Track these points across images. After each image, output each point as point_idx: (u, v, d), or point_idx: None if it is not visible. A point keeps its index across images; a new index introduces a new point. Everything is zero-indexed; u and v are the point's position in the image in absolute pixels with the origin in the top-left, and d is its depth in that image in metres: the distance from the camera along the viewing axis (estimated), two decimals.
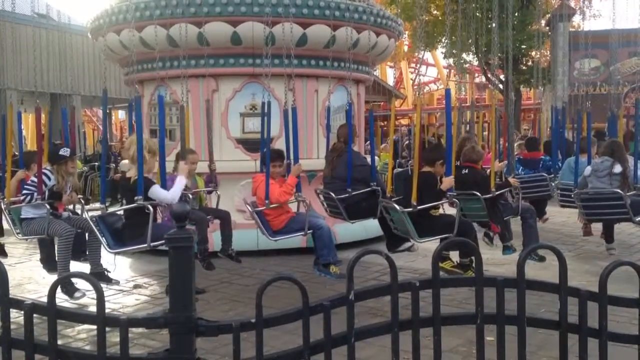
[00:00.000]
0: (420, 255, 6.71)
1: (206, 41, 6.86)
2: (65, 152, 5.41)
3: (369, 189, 5.66)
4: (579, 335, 2.18)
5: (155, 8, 6.87)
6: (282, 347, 3.23)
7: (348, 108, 5.96)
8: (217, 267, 6.02)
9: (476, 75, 26.65)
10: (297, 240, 6.86)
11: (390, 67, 30.74)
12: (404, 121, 26.11)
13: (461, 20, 10.52)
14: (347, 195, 5.67)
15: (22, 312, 2.09)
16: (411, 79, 31.68)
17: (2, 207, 5.51)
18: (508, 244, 5.98)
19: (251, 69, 7.08)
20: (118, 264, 6.50)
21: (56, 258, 5.23)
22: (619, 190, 5.82)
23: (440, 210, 5.52)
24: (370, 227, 7.55)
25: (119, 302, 5.21)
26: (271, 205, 5.33)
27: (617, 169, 6.02)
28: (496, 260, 6.15)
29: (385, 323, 2.18)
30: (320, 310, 2.10)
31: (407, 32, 19.14)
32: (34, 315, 2.08)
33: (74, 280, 5.00)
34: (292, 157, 5.46)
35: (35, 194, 5.17)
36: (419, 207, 4.93)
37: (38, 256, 6.84)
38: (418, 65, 27.82)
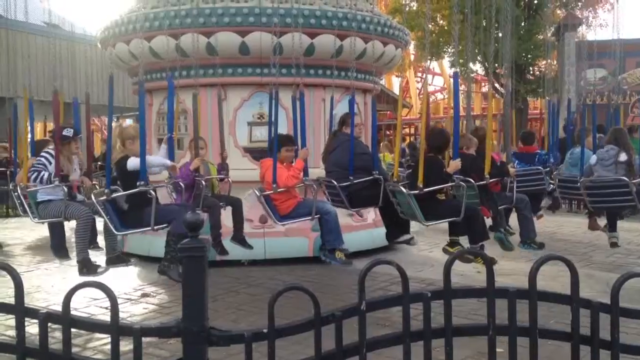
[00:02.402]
0: (427, 265, 6.71)
1: (215, 51, 6.91)
2: (68, 132, 5.54)
3: (370, 177, 5.64)
4: (591, 347, 2.18)
5: (164, 18, 6.92)
6: (291, 358, 3.24)
7: (351, 98, 5.97)
8: (224, 277, 6.04)
9: (483, 84, 26.65)
10: (304, 249, 6.89)
11: (397, 76, 30.77)
12: (410, 130, 26.12)
13: (468, 28, 10.54)
14: (349, 183, 5.65)
15: (36, 320, 2.10)
16: (417, 88, 31.70)
17: (19, 192, 5.60)
18: (500, 229, 6.01)
19: (259, 78, 7.11)
20: (125, 273, 6.56)
21: (75, 239, 5.40)
22: (624, 177, 5.79)
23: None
24: (377, 236, 7.56)
25: (127, 310, 5.22)
26: (279, 190, 5.36)
27: (623, 157, 6.02)
28: (505, 270, 6.14)
29: (397, 334, 2.19)
30: (331, 321, 2.10)
31: (413, 42, 19.21)
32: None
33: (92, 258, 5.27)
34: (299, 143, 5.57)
35: (43, 172, 5.26)
36: (425, 190, 4.94)
37: (47, 265, 6.91)
38: (424, 75, 27.88)
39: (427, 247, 8.02)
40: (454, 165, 5.11)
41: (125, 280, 6.24)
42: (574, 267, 2.15)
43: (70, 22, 15.80)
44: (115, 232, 4.99)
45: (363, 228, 7.43)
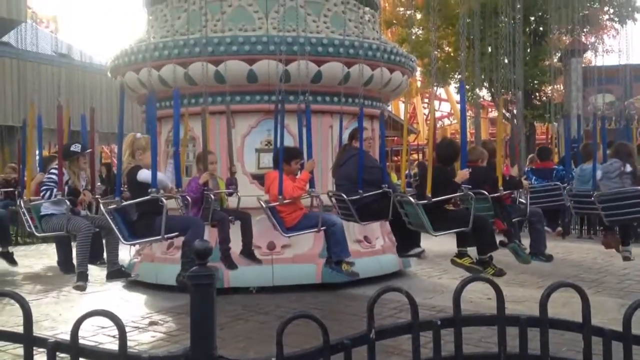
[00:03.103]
0: (437, 292, 6.66)
1: (223, 79, 6.98)
2: (76, 148, 5.62)
3: (380, 190, 5.64)
4: None
5: (173, 47, 7.02)
6: None
7: (360, 111, 6.03)
8: (232, 304, 6.01)
9: (490, 110, 26.72)
10: (312, 275, 6.85)
11: (403, 102, 30.96)
12: (416, 156, 26.12)
13: (475, 55, 10.62)
14: (358, 196, 5.65)
15: (44, 350, 2.10)
16: (424, 114, 31.83)
17: (22, 205, 5.64)
18: (515, 240, 5.99)
19: (267, 105, 7.16)
20: (133, 301, 6.54)
21: (76, 252, 5.43)
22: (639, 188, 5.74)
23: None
24: (385, 263, 7.52)
25: (134, 339, 5.19)
26: (285, 201, 5.37)
27: (628, 168, 5.98)
28: (515, 297, 6.08)
29: None
30: (341, 349, 2.09)
31: (419, 69, 19.36)
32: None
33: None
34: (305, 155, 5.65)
35: (55, 189, 5.30)
36: (433, 200, 4.92)
37: (54, 293, 6.91)
38: (431, 101, 27.98)
39: (437, 273, 7.97)
40: (462, 174, 5.10)
41: (133, 307, 6.22)
42: (585, 295, 2.13)
43: (79, 51, 16.06)
44: (124, 242, 4.98)
45: (371, 254, 7.39)
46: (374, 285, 6.89)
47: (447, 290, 6.61)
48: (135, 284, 7.16)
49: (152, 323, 5.67)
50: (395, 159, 22.61)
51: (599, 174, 6.15)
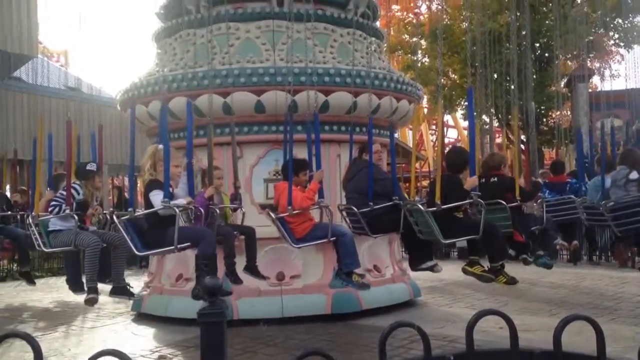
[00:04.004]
0: (449, 321, 6.58)
1: (231, 110, 7.04)
2: (92, 167, 5.70)
3: (391, 202, 5.60)
4: None
5: (182, 80, 7.10)
6: None
7: (369, 125, 6.07)
8: (241, 336, 5.96)
9: (497, 136, 26.73)
10: (322, 306, 6.79)
11: (410, 129, 31.05)
12: (425, 182, 26.08)
13: (480, 81, 10.68)
14: (369, 209, 5.61)
15: None
16: (432, 141, 31.89)
17: (31, 221, 5.67)
18: (540, 253, 5.95)
19: (274, 136, 7.20)
20: (141, 334, 6.50)
21: (84, 267, 5.47)
22: None
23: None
24: (395, 292, 7.45)
25: None
26: (294, 212, 5.36)
27: (634, 175, 5.91)
28: (527, 325, 5.99)
29: None
30: None
31: (425, 96, 19.46)
32: None
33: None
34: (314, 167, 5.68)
35: (64, 205, 5.33)
36: (443, 207, 4.89)
37: (63, 327, 6.88)
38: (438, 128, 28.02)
39: (447, 302, 7.90)
40: (472, 181, 5.09)
41: (142, 341, 6.18)
42: (599, 328, 2.10)
43: (88, 84, 16.28)
44: (137, 253, 5.00)
45: (381, 284, 7.32)
46: (384, 315, 6.83)
47: (458, 320, 6.53)
48: (144, 317, 7.13)
49: (161, 357, 5.62)
50: (405, 186, 22.58)
51: (608, 182, 6.09)
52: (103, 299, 7.72)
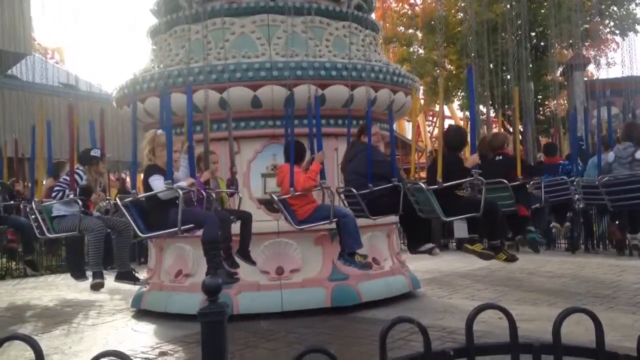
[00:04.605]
0: (447, 312, 6.60)
1: (227, 105, 7.02)
2: (96, 153, 5.71)
3: (390, 184, 5.61)
4: None
5: (177, 76, 7.08)
6: None
7: (367, 109, 6.08)
8: (241, 330, 5.97)
9: (493, 126, 26.75)
10: (321, 299, 6.81)
11: (408, 121, 31.05)
12: (423, 174, 26.11)
13: (476, 73, 10.66)
14: (368, 190, 5.62)
15: None
16: (429, 132, 31.88)
17: (34, 206, 5.66)
18: (531, 228, 6.07)
19: (271, 130, 7.20)
20: (142, 330, 6.52)
21: (89, 252, 5.49)
22: None
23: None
24: (394, 284, 7.47)
25: None
26: (296, 193, 5.38)
27: (639, 154, 5.91)
28: (527, 315, 6.02)
29: None
30: None
31: (422, 88, 19.44)
32: None
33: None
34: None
35: (67, 190, 5.34)
36: (444, 185, 4.92)
37: (64, 325, 6.89)
38: (435, 119, 28.05)
39: (446, 293, 7.92)
40: (473, 159, 5.12)
41: (143, 337, 6.19)
42: (598, 320, 2.11)
43: (85, 82, 16.22)
44: (141, 235, 4.99)
45: (380, 276, 7.35)
46: (384, 307, 6.85)
47: (457, 311, 6.56)
48: (144, 313, 7.14)
49: (162, 353, 5.64)
50: (404, 177, 22.61)
51: (611, 156, 6.06)
52: (103, 296, 7.72)
